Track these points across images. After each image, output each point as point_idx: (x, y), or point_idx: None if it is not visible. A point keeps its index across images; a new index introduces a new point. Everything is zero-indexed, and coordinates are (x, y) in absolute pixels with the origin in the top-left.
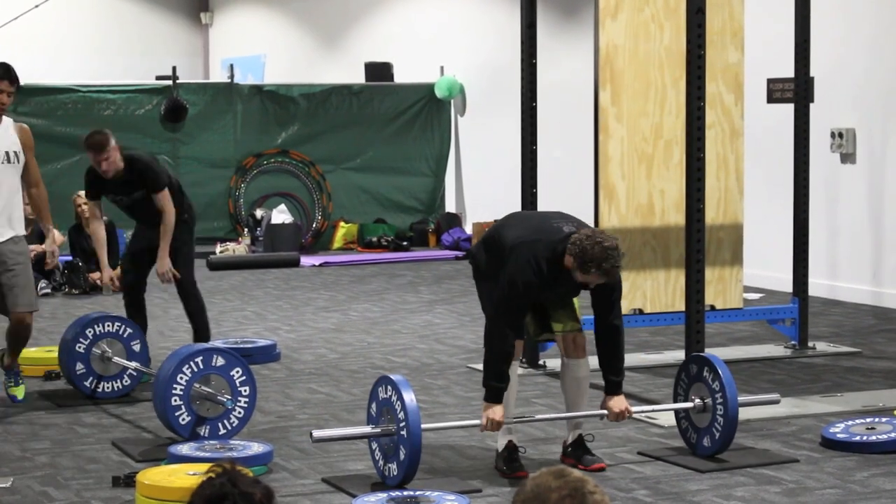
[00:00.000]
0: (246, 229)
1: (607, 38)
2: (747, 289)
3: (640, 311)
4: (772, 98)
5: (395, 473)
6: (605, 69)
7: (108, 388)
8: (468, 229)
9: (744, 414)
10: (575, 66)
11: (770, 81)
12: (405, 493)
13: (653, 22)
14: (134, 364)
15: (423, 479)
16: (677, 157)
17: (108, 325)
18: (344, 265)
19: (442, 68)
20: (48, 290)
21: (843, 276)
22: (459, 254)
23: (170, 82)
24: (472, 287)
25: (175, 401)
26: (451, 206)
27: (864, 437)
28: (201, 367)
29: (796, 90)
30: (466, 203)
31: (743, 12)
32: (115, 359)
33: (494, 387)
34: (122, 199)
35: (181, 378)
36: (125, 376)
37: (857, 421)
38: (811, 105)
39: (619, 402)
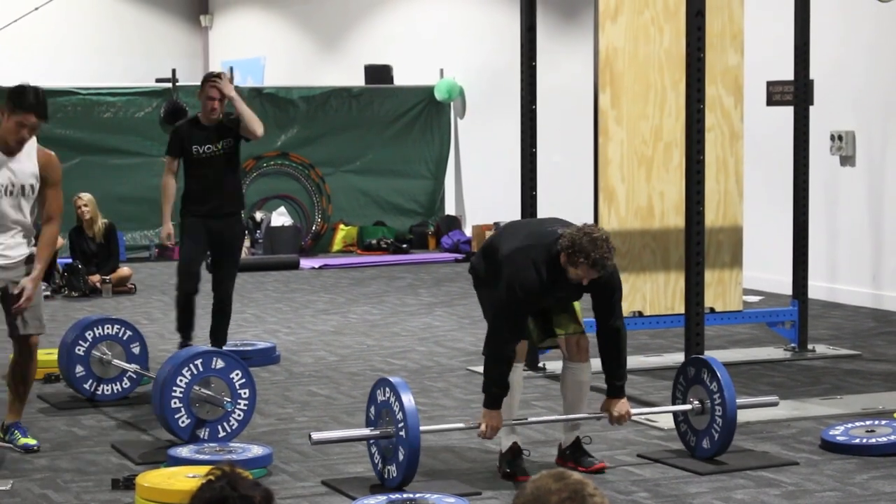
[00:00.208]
0: (245, 232)
1: (607, 41)
2: (747, 291)
3: (640, 314)
4: (771, 101)
5: (394, 475)
6: (604, 72)
7: (107, 390)
8: (468, 232)
9: (743, 416)
10: (575, 69)
11: (770, 84)
12: (405, 495)
13: (652, 25)
14: (133, 366)
15: (422, 481)
16: (677, 160)
17: (108, 328)
18: (343, 268)
19: (442, 71)
20: (48, 293)
21: (843, 279)
22: (459, 256)
23: (169, 85)
24: (472, 289)
25: (175, 403)
26: (450, 209)
27: (864, 440)
28: (201, 369)
29: (796, 93)
30: (466, 206)
31: (743, 15)
32: (115, 361)
33: (494, 393)
34: (208, 149)
35: (181, 381)
36: (125, 379)
37: (857, 423)
38: (811, 108)
39: (620, 406)
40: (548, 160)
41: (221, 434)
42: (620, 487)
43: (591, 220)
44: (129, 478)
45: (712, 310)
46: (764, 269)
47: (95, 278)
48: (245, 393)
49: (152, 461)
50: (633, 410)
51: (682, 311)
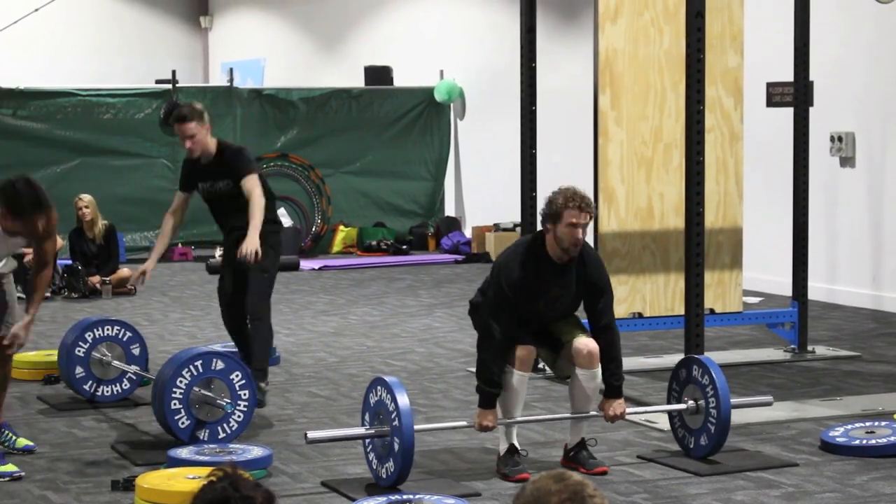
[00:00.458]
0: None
1: (607, 42)
2: (747, 292)
3: (640, 315)
4: (771, 102)
5: (389, 473)
6: (604, 73)
7: (107, 391)
8: (467, 233)
9: (743, 418)
10: (574, 70)
11: (769, 85)
12: (404, 496)
13: (652, 26)
14: (133, 368)
15: (422, 481)
16: (677, 161)
17: (108, 329)
18: (343, 269)
19: (441, 72)
20: (47, 294)
21: (843, 280)
22: (459, 258)
23: (169, 86)
24: (471, 290)
25: (174, 405)
26: (450, 210)
27: (864, 441)
28: (201, 370)
29: (796, 94)
30: (466, 207)
31: (742, 16)
32: (115, 362)
33: (486, 392)
34: (209, 186)
35: (180, 382)
36: (124, 380)
37: (857, 425)
38: (811, 109)
39: (616, 406)
40: (548, 161)
41: (221, 435)
42: (620, 489)
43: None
44: (128, 479)
45: (712, 311)
46: (764, 270)
47: (95, 279)
48: (245, 394)
49: (152, 462)
50: (629, 409)
51: (682, 312)
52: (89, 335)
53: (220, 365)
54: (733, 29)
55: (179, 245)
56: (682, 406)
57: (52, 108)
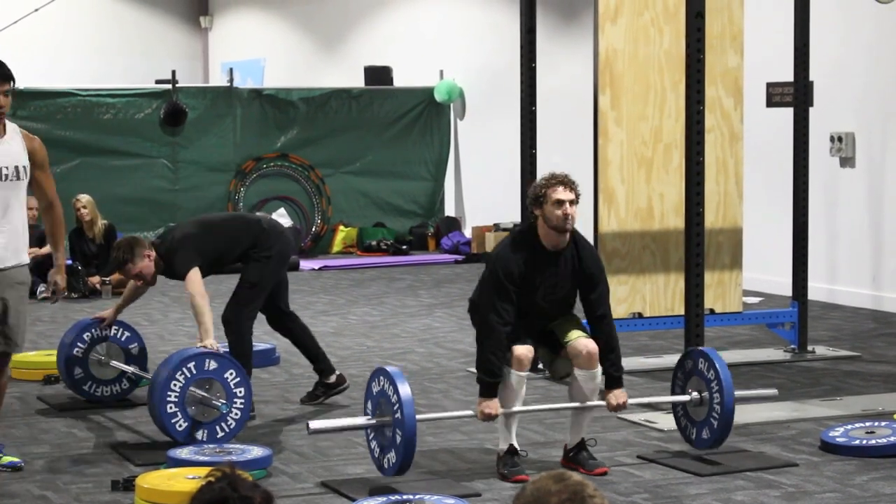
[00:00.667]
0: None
1: (607, 42)
2: (747, 292)
3: (640, 315)
4: (771, 102)
5: (391, 464)
6: (604, 73)
7: (106, 391)
8: (467, 233)
9: (743, 418)
10: (574, 71)
11: (769, 85)
12: (404, 496)
13: (652, 26)
14: (132, 368)
15: (422, 481)
16: (677, 161)
17: (107, 329)
18: (343, 269)
19: (441, 72)
20: (47, 295)
21: (843, 280)
22: (459, 258)
23: (169, 86)
24: (471, 290)
25: (171, 408)
26: (450, 210)
27: (864, 441)
28: (195, 372)
29: (796, 94)
30: (466, 207)
31: (742, 16)
32: (113, 363)
33: (486, 381)
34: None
35: (175, 384)
36: (123, 380)
37: (857, 425)
38: (811, 109)
39: (618, 395)
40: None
41: (220, 434)
42: (620, 489)
43: (590, 222)
44: (128, 479)
45: (712, 311)
46: (764, 270)
47: (95, 280)
48: (240, 392)
49: (152, 462)
50: (631, 401)
51: (682, 312)
52: (88, 335)
53: (213, 365)
54: (733, 29)
55: None
56: (685, 398)
57: (52, 108)
